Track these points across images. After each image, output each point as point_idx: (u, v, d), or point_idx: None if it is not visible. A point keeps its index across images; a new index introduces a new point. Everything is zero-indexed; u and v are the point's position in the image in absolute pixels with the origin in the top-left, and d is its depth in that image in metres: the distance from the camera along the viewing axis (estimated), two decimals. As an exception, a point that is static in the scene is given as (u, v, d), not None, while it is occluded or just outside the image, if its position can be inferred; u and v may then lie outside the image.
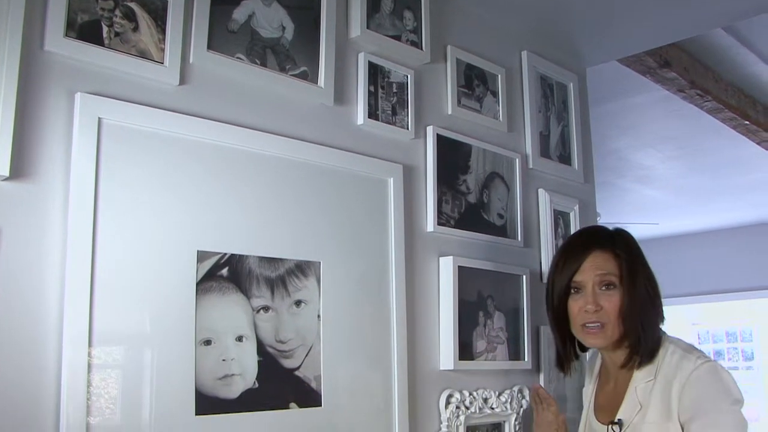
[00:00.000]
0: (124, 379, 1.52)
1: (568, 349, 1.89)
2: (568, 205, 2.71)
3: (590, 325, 1.76)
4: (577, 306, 1.79)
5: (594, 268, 1.77)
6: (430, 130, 2.23)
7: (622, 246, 1.79)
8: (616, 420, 1.74)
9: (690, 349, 1.73)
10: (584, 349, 1.91)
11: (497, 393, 2.31)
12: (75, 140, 1.50)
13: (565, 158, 2.77)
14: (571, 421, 2.54)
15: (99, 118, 1.54)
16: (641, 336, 1.72)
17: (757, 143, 4.74)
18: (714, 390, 1.63)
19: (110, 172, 1.55)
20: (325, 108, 1.98)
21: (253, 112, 1.82)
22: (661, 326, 1.79)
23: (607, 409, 1.81)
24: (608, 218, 6.24)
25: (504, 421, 2.34)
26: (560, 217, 2.68)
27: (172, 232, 1.63)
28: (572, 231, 2.70)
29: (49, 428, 1.42)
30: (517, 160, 2.51)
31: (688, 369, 1.65)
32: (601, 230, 1.88)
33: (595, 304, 1.75)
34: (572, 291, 1.80)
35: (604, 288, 1.76)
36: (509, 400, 2.34)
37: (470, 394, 2.22)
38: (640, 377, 1.73)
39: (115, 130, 1.56)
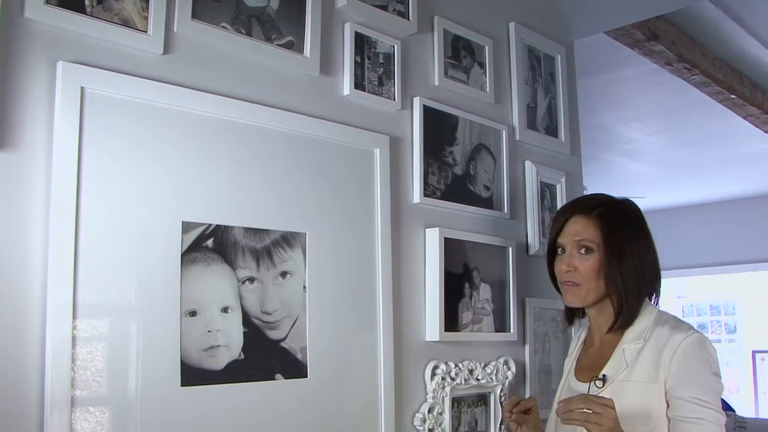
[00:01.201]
0: (108, 351, 1.51)
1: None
2: (554, 177, 2.71)
3: (566, 284, 1.86)
4: (557, 266, 1.89)
5: (572, 233, 1.86)
6: (416, 101, 2.22)
7: (608, 213, 1.86)
8: (600, 376, 1.79)
9: (681, 321, 1.82)
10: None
11: (483, 364, 2.32)
12: (57, 110, 1.48)
13: (551, 130, 2.77)
14: (555, 392, 2.56)
15: (81, 87, 1.51)
16: (623, 301, 1.81)
17: (743, 117, 4.76)
18: (699, 359, 1.72)
19: (94, 142, 1.53)
20: (311, 78, 1.96)
21: (238, 82, 1.80)
22: (645, 296, 1.85)
23: (589, 369, 1.87)
24: (594, 192, 6.25)
25: (489, 393, 2.35)
26: (546, 189, 2.68)
27: (157, 202, 1.62)
28: (559, 203, 2.71)
29: (34, 401, 1.41)
30: (503, 131, 2.51)
31: (679, 338, 1.73)
32: (594, 197, 1.95)
33: (568, 265, 1.85)
34: (558, 251, 1.90)
35: (582, 251, 1.83)
36: (495, 372, 2.35)
37: (456, 365, 2.23)
38: (629, 339, 1.80)
39: (98, 100, 1.54)
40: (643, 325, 1.80)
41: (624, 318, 1.81)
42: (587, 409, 1.60)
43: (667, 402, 1.70)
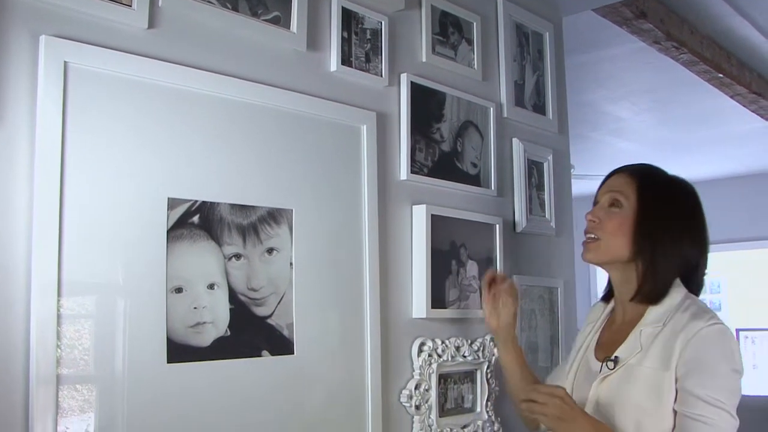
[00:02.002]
0: (94, 328, 1.51)
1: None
2: (542, 154, 2.71)
3: (587, 238, 1.82)
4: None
5: (609, 186, 1.83)
6: (404, 77, 2.20)
7: (652, 179, 1.82)
8: (612, 357, 1.74)
9: (706, 310, 1.71)
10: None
11: (469, 341, 2.32)
12: (40, 85, 1.46)
13: (539, 108, 2.76)
14: (542, 369, 2.58)
15: (65, 61, 1.49)
16: (650, 267, 1.74)
17: (731, 96, 4.76)
18: (717, 351, 1.62)
19: (78, 117, 1.51)
20: (298, 54, 1.95)
21: (224, 58, 1.78)
22: (677, 276, 1.76)
23: (606, 347, 1.81)
24: (582, 171, 6.27)
25: (476, 370, 2.36)
26: (534, 167, 2.67)
27: (142, 179, 1.60)
28: (546, 181, 2.71)
29: (19, 379, 1.40)
30: (491, 108, 2.50)
31: (697, 326, 1.63)
32: (649, 165, 1.90)
33: (593, 215, 1.81)
34: None
35: (613, 204, 1.79)
36: (481, 349, 2.35)
37: (442, 342, 2.23)
38: (648, 321, 1.72)
39: (82, 75, 1.52)
40: (666, 308, 1.71)
41: (650, 288, 1.74)
42: (533, 399, 1.62)
43: (676, 391, 1.62)
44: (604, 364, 1.75)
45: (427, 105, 2.27)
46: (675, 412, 1.61)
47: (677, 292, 1.75)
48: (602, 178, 1.91)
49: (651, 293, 1.74)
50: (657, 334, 1.69)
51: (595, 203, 1.86)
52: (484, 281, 2.15)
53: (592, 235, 1.80)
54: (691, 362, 1.61)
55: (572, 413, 1.60)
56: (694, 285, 1.80)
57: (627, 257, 1.78)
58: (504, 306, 2.09)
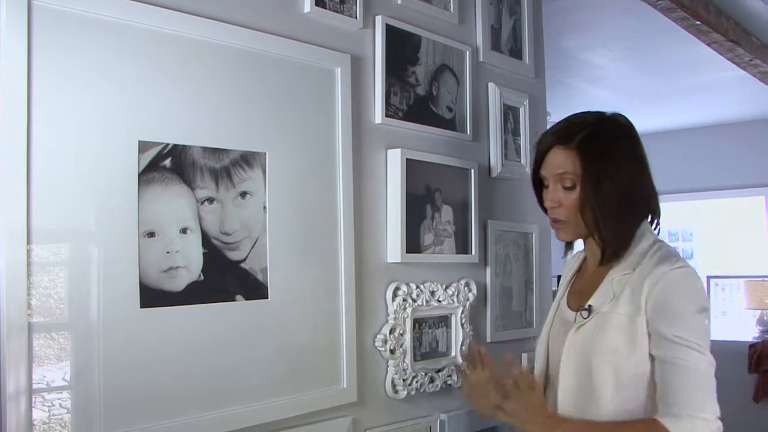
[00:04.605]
0: (66, 274, 1.49)
1: None
2: (518, 99, 2.69)
3: (554, 222, 1.83)
4: (545, 200, 1.84)
5: (554, 167, 1.79)
6: (379, 19, 2.17)
7: (589, 140, 1.76)
8: (586, 306, 1.76)
9: (673, 254, 1.73)
10: None
11: (444, 286, 2.33)
12: (3, 24, 1.41)
13: (516, 52, 2.73)
14: (516, 314, 2.59)
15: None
16: (603, 234, 1.75)
17: (708, 44, 4.73)
18: (684, 294, 1.66)
19: (44, 58, 1.47)
20: (270, -6, 1.91)
21: (194, -3, 1.74)
22: (639, 219, 1.79)
23: (579, 297, 1.84)
24: (559, 118, 6.25)
25: (450, 314, 2.37)
26: (510, 112, 2.65)
27: (112, 121, 1.57)
28: (522, 126, 2.70)
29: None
30: (467, 52, 2.47)
31: (663, 270, 1.66)
32: (577, 122, 1.84)
33: (553, 200, 1.80)
34: (544, 185, 1.84)
35: (566, 184, 1.77)
36: (456, 293, 2.36)
37: (417, 287, 2.24)
38: (618, 269, 1.75)
39: (47, 14, 1.48)
40: (635, 255, 1.74)
41: (610, 248, 1.75)
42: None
43: (649, 334, 1.65)
44: (579, 313, 1.78)
45: (402, 48, 2.24)
46: (653, 358, 1.65)
47: (645, 239, 1.77)
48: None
49: (615, 252, 1.76)
50: (627, 281, 1.72)
51: (542, 180, 1.84)
52: (473, 351, 2.03)
53: (561, 219, 1.81)
54: (658, 305, 1.64)
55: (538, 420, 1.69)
56: (654, 214, 1.83)
57: (588, 229, 1.80)
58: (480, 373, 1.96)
